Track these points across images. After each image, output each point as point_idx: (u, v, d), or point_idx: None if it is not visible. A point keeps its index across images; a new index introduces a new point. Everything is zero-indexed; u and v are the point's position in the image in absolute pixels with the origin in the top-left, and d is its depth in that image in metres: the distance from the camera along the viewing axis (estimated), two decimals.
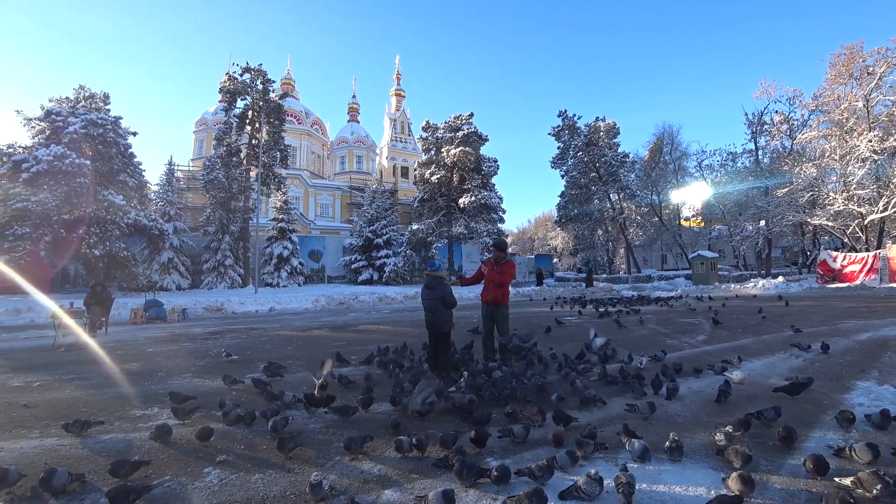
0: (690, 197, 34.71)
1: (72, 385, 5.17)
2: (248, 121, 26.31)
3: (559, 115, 36.25)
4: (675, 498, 2.46)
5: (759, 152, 30.75)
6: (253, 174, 26.19)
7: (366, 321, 11.86)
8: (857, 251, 22.63)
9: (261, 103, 25.90)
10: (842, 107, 24.48)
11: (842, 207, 22.77)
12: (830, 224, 24.12)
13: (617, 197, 36.18)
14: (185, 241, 24.43)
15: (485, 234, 29.09)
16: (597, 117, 36.30)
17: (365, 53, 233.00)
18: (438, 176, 30.02)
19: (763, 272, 29.09)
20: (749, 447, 2.83)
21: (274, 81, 27.45)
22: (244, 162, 26.12)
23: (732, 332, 8.37)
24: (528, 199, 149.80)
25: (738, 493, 2.35)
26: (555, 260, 50.96)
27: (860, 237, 23.90)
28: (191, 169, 38.10)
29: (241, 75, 25.78)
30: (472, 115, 31.08)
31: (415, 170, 41.83)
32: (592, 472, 2.44)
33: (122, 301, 14.74)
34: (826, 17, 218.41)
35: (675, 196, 35.83)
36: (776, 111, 29.31)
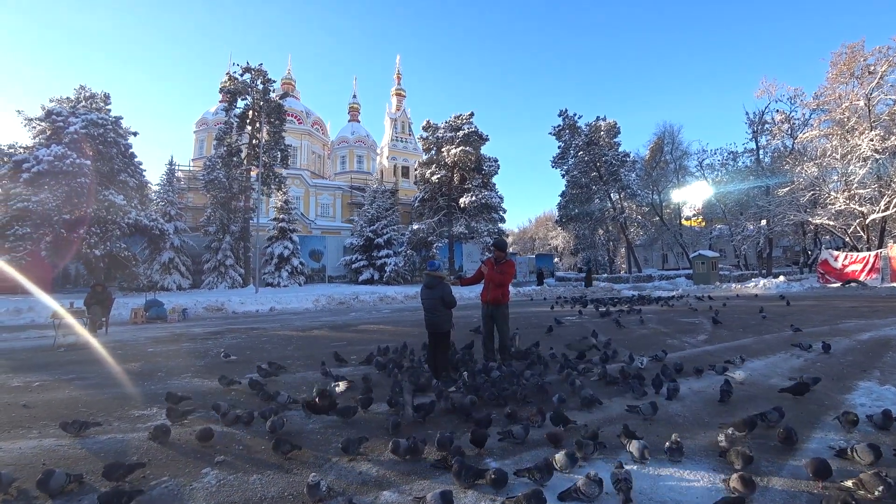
0: (691, 196, 34.66)
1: (71, 385, 5.17)
2: (248, 121, 26.29)
3: (560, 115, 36.27)
4: (675, 498, 2.45)
5: (760, 151, 30.63)
6: (253, 174, 26.22)
7: (366, 321, 11.86)
8: (858, 250, 22.61)
9: (261, 103, 25.91)
10: (843, 106, 24.43)
11: (843, 207, 22.74)
12: (832, 223, 24.10)
13: (618, 196, 36.13)
14: (186, 241, 24.44)
15: (485, 233, 29.03)
16: (597, 117, 36.41)
17: (365, 53, 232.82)
18: (439, 176, 29.97)
19: (764, 272, 29.03)
20: (750, 448, 2.82)
21: (274, 81, 27.46)
22: (245, 162, 26.12)
23: (733, 332, 8.35)
24: (528, 199, 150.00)
25: (738, 493, 2.33)
26: (555, 259, 50.95)
27: (861, 236, 23.88)
28: (191, 169, 38.15)
29: (242, 75, 25.78)
30: (472, 114, 31.03)
31: (415, 169, 41.77)
32: (592, 473, 2.43)
33: (123, 301, 14.74)
34: (827, 17, 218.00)
35: (676, 195, 35.78)
36: (777, 110, 29.25)
